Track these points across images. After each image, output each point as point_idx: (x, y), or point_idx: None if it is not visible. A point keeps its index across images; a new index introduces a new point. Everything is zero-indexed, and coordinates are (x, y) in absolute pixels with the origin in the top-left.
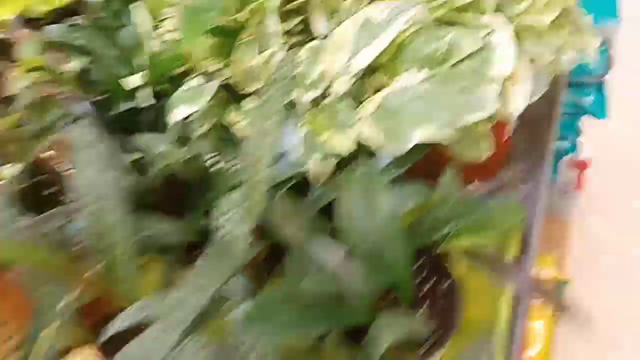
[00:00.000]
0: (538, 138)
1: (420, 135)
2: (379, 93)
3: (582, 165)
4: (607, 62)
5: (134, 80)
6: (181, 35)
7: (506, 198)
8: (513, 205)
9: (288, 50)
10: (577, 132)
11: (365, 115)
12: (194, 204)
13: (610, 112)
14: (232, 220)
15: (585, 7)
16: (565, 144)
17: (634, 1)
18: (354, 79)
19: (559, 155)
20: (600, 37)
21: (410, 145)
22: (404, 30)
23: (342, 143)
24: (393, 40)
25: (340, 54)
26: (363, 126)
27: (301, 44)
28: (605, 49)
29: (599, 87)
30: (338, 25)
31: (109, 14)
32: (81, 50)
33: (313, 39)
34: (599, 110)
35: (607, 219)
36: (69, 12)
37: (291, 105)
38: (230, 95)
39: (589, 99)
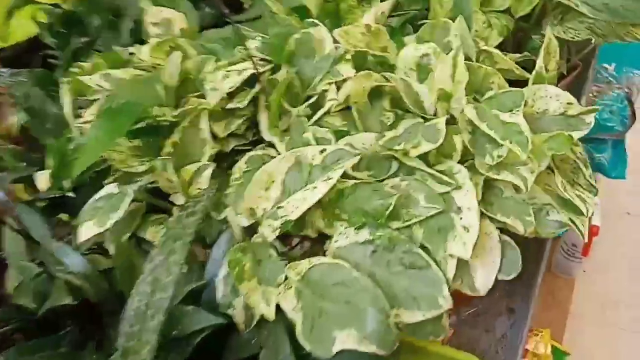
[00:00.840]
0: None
1: (342, 343)
2: (306, 261)
3: (590, 232)
4: (628, 117)
5: (42, 180)
6: (96, 135)
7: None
8: None
9: (228, 153)
10: None
11: (290, 280)
12: (101, 337)
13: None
14: None
15: (611, 56)
16: None
17: None
18: (284, 224)
19: None
20: (624, 89)
21: (332, 353)
22: (346, 178)
23: (262, 307)
24: (332, 187)
25: (268, 193)
26: (285, 298)
27: (243, 146)
28: (627, 104)
29: (617, 145)
30: (285, 130)
31: (62, 61)
32: (21, 104)
33: (258, 141)
34: (616, 170)
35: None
36: (32, 47)
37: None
38: (157, 199)
39: (604, 156)
